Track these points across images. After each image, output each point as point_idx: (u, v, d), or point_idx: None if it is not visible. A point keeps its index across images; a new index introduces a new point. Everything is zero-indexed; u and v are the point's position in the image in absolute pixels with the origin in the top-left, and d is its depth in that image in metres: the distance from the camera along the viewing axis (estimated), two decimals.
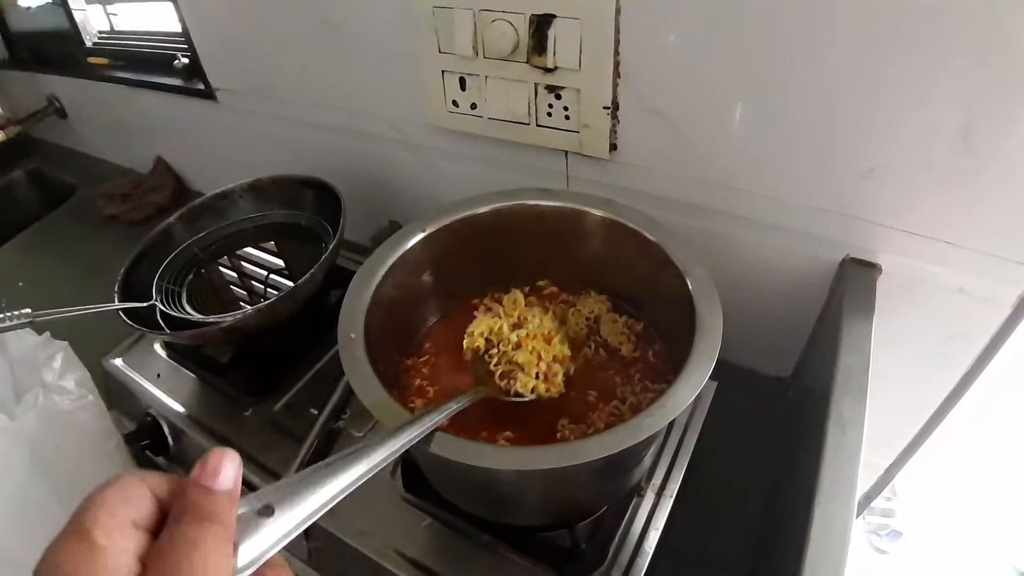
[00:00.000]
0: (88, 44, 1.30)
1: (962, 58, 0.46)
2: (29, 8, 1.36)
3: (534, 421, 0.52)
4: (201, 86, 1.03)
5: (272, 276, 0.80)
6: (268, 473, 0.62)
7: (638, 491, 0.56)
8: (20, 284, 1.12)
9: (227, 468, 0.26)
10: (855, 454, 0.49)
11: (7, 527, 0.57)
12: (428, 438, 0.38)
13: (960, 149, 0.50)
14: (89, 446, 0.64)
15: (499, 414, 0.52)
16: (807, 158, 0.57)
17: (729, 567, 0.58)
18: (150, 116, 1.22)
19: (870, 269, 0.61)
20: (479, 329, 0.53)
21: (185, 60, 1.06)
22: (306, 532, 0.59)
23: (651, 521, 0.54)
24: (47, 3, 1.31)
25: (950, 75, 0.47)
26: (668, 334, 0.56)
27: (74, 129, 1.48)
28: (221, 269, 0.81)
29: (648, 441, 0.47)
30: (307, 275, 0.65)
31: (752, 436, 0.68)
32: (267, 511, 0.26)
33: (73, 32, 1.30)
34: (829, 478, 0.48)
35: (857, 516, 0.93)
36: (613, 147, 0.67)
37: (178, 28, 1.01)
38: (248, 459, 0.64)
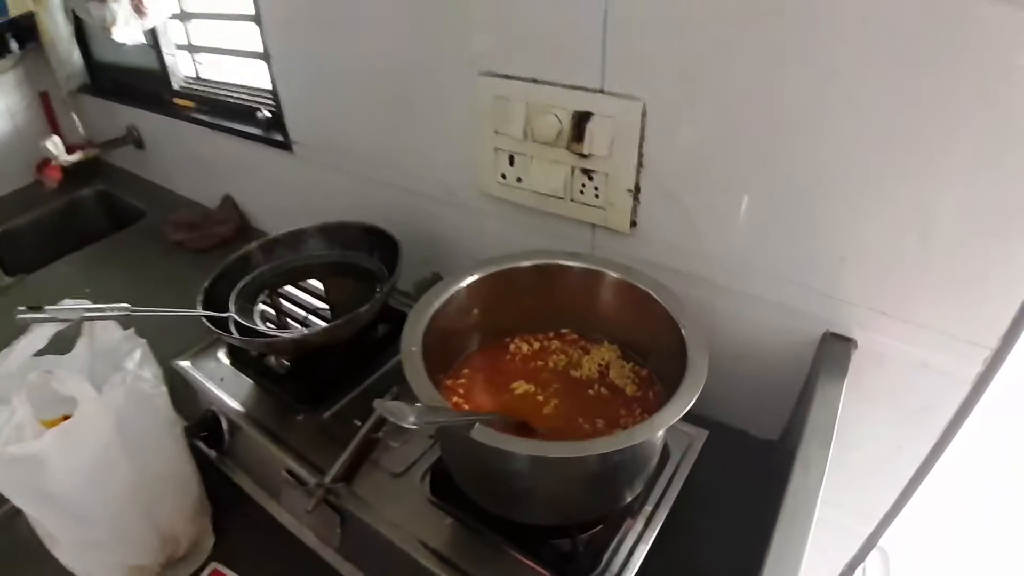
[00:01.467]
0: (175, 86, 1.48)
1: (919, 176, 0.59)
2: (124, 45, 1.53)
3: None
4: (280, 138, 1.19)
5: (320, 309, 0.92)
6: (313, 467, 0.72)
7: (631, 513, 0.65)
8: (87, 290, 1.25)
9: None
10: (815, 490, 0.59)
11: (88, 480, 0.67)
12: (468, 427, 0.49)
13: (919, 246, 0.62)
14: (160, 427, 0.75)
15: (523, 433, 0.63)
16: (793, 243, 0.69)
17: None
18: (224, 157, 1.38)
19: (846, 343, 0.72)
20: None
21: (268, 114, 1.22)
22: (342, 520, 0.69)
23: (640, 539, 0.64)
24: (141, 44, 1.49)
25: (910, 187, 0.60)
26: (666, 379, 0.67)
27: (149, 159, 1.64)
28: (287, 294, 0.94)
29: (640, 455, 0.57)
30: (367, 305, 0.78)
31: (736, 490, 0.77)
32: None
33: (162, 73, 1.47)
34: (790, 508, 0.57)
35: None
36: (633, 224, 0.80)
37: (259, 84, 1.17)
38: (298, 456, 0.75)
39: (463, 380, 0.70)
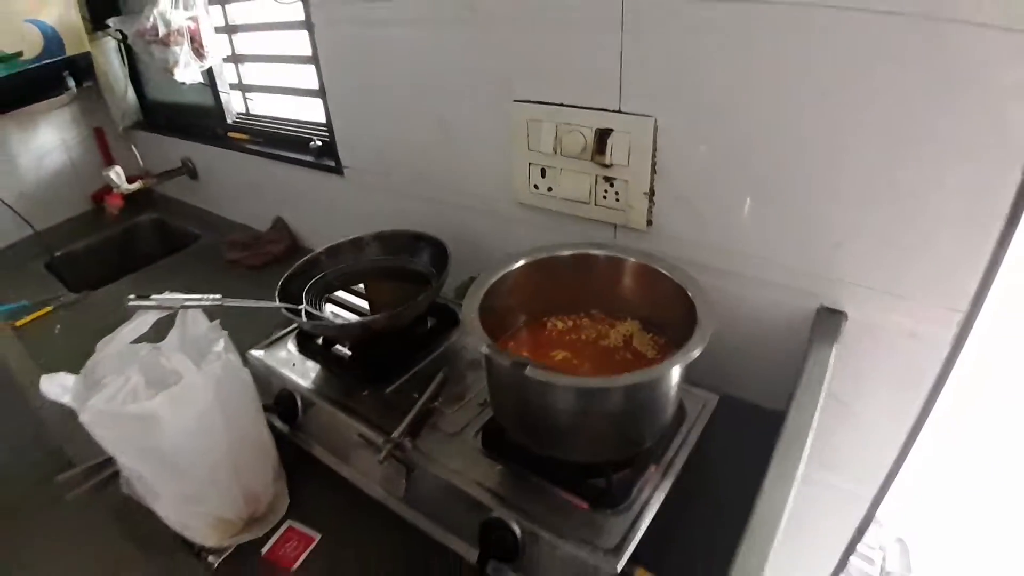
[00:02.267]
0: (229, 121, 1.65)
1: (901, 175, 0.73)
2: (180, 84, 1.70)
3: None
4: (332, 163, 1.34)
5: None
6: (381, 431, 0.85)
7: (654, 459, 0.77)
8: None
9: None
10: (804, 432, 0.70)
11: (191, 438, 0.78)
12: (523, 366, 0.62)
13: (898, 230, 0.74)
14: (248, 399, 0.87)
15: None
16: (791, 233, 0.82)
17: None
18: (276, 183, 1.53)
19: (838, 316, 0.84)
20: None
21: (319, 143, 1.38)
22: (408, 471, 0.81)
23: (661, 482, 0.75)
24: (198, 84, 1.66)
25: (892, 184, 0.73)
26: (682, 345, 0.80)
27: (201, 189, 1.80)
28: (348, 292, 1.08)
29: (659, 398, 0.70)
30: (424, 294, 0.91)
31: (744, 450, 0.86)
32: None
33: (216, 109, 1.64)
34: (780, 452, 0.69)
35: (850, 551, 1.10)
36: (649, 223, 0.94)
37: (311, 116, 1.33)
38: (367, 421, 0.87)
39: (512, 343, 0.84)
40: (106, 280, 1.56)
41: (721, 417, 0.87)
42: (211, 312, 0.90)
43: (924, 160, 0.70)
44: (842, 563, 1.14)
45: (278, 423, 0.98)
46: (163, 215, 1.86)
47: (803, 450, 0.69)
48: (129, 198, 1.77)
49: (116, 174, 1.61)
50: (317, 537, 0.87)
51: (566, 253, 0.84)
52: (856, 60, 0.70)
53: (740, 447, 0.88)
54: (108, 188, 1.71)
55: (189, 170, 1.77)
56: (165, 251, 1.75)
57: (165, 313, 0.90)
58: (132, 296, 0.87)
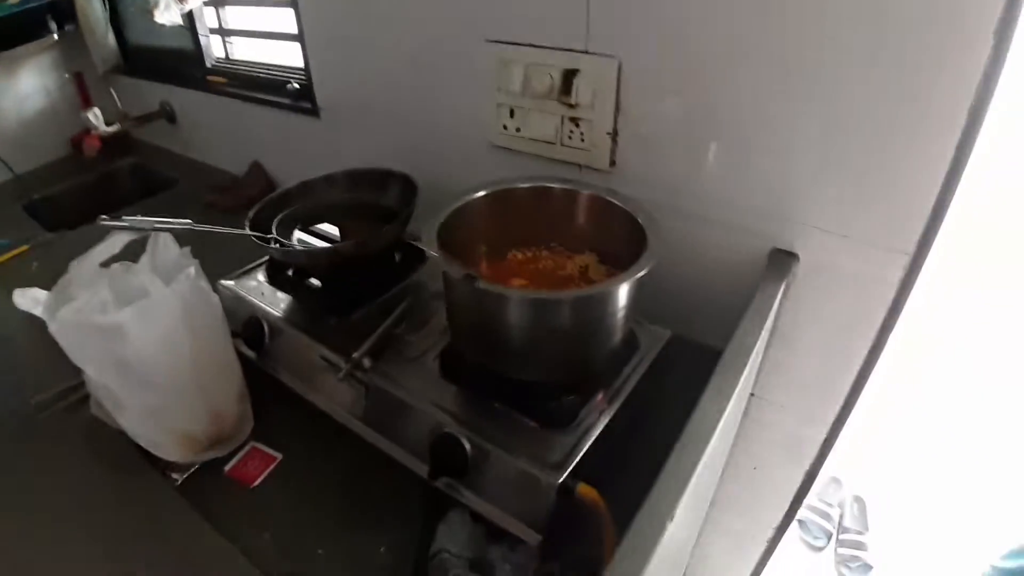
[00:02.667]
0: (208, 65, 1.64)
1: (837, 112, 0.75)
2: (159, 27, 1.69)
3: None
4: (308, 105, 1.35)
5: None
6: (344, 355, 0.87)
7: (602, 385, 0.81)
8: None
9: None
10: (742, 359, 0.74)
11: (158, 351, 0.80)
12: (473, 278, 0.65)
13: (846, 170, 0.77)
14: (215, 320, 0.89)
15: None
16: (750, 174, 0.85)
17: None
18: (253, 127, 1.54)
19: (790, 257, 0.87)
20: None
21: (297, 85, 1.38)
22: (366, 390, 0.85)
23: (608, 407, 0.79)
24: (177, 26, 1.64)
25: (845, 123, 0.76)
26: None
27: (179, 133, 1.80)
28: (318, 227, 1.10)
29: (606, 319, 0.73)
30: (391, 225, 0.93)
31: (692, 386, 0.91)
32: None
33: (196, 53, 1.64)
34: (717, 374, 0.72)
35: (801, 496, 1.14)
36: (613, 163, 0.96)
37: (289, 61, 1.34)
38: (331, 346, 0.90)
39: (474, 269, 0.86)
40: (84, 222, 1.57)
41: (675, 355, 0.90)
42: (183, 242, 0.92)
43: (875, 103, 0.72)
44: (793, 507, 1.19)
45: (245, 349, 1.00)
46: (142, 160, 1.86)
47: (740, 374, 0.73)
48: (108, 143, 1.77)
49: (94, 115, 1.61)
50: (279, 457, 0.90)
51: (524, 185, 0.87)
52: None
53: (691, 383, 0.91)
54: (87, 131, 1.71)
55: (167, 114, 1.76)
56: (143, 195, 1.75)
57: (137, 235, 0.91)
58: (104, 216, 0.88)
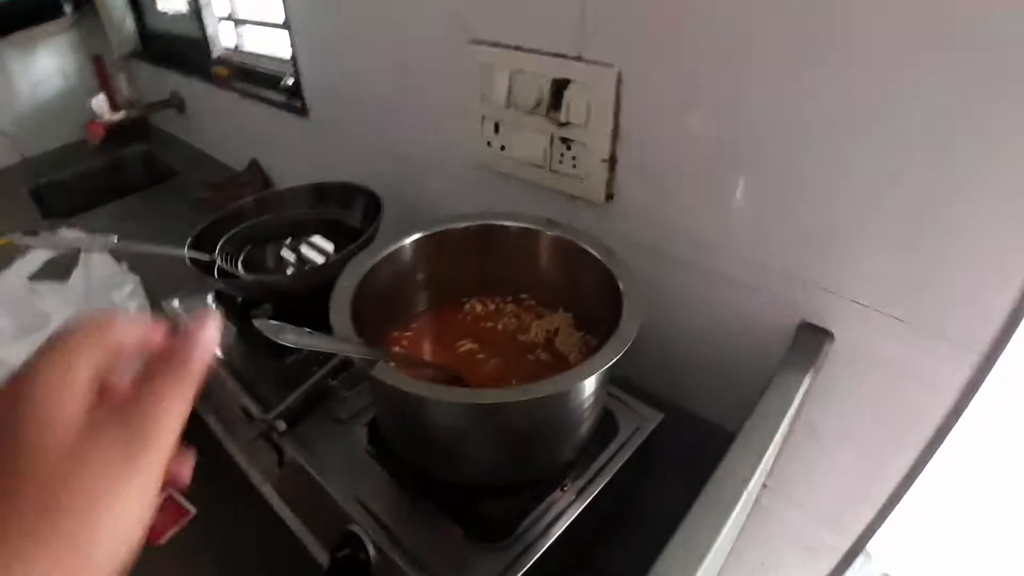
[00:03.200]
0: (215, 55, 1.54)
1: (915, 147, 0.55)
2: (165, 13, 1.60)
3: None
4: (299, 104, 1.23)
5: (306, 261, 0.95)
6: (267, 407, 0.74)
7: (560, 484, 0.64)
8: (115, 239, 1.32)
9: (212, 328, 0.30)
10: (730, 505, 0.55)
11: None
12: (371, 364, 0.49)
13: (910, 234, 0.57)
14: None
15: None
16: (778, 225, 0.66)
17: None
18: (252, 123, 1.43)
19: (822, 336, 0.68)
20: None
21: (291, 81, 1.26)
22: (280, 458, 0.71)
23: (564, 513, 0.62)
24: (182, 13, 1.54)
25: (907, 171, 0.56)
26: None
27: (188, 123, 1.72)
28: (280, 249, 0.97)
29: (560, 419, 0.56)
30: (337, 256, 0.79)
31: (690, 479, 0.74)
32: None
33: (203, 42, 1.54)
34: (690, 526, 0.54)
35: None
36: (610, 196, 0.78)
37: (285, 54, 1.21)
38: (254, 395, 0.76)
39: (410, 333, 0.71)
40: (87, 209, 1.51)
41: (671, 438, 0.72)
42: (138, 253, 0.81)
43: (957, 158, 0.52)
44: None
45: None
46: (153, 147, 1.79)
47: (755, 469, 0.56)
48: (122, 128, 1.71)
49: (98, 103, 1.54)
50: (192, 512, 0.79)
51: (460, 225, 0.70)
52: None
53: (688, 473, 0.74)
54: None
55: (177, 104, 1.68)
56: (150, 183, 1.68)
57: (56, 252, 0.81)
58: (19, 233, 0.78)
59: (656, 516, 0.70)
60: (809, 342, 0.68)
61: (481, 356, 0.67)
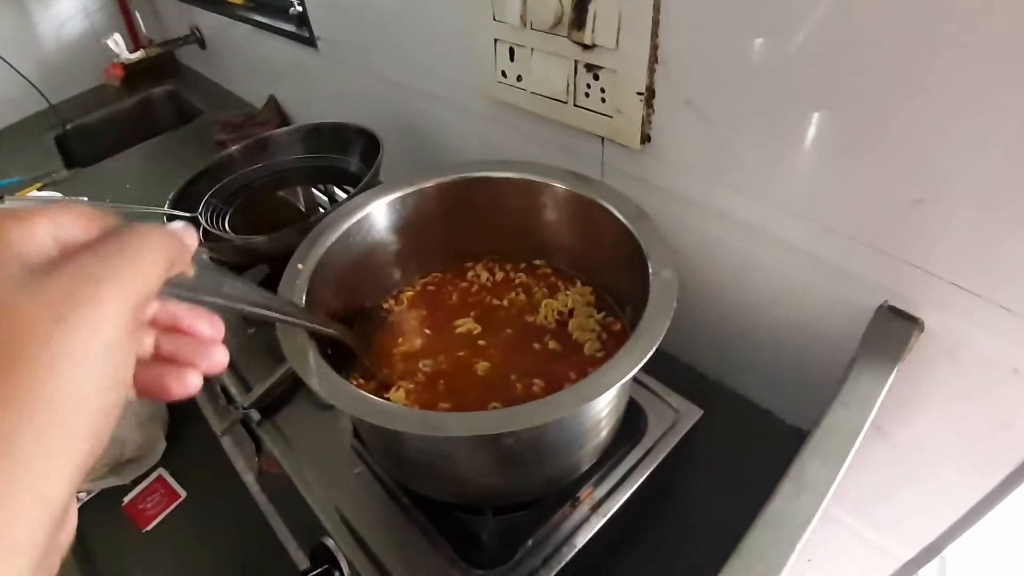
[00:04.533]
0: None
1: None
2: None
3: (469, 398, 0.51)
4: (307, 34, 1.10)
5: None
6: (245, 386, 0.66)
7: (574, 499, 0.52)
8: (128, 186, 1.26)
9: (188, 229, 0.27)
10: (803, 523, 0.43)
11: None
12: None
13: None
14: None
15: (439, 390, 0.52)
16: (850, 178, 0.50)
17: None
18: (268, 57, 1.31)
19: (910, 323, 0.53)
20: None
21: (299, 8, 1.12)
22: (257, 448, 0.63)
23: (577, 530, 0.51)
24: None
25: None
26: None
27: (211, 59, 1.62)
28: (273, 198, 0.86)
29: (558, 435, 0.44)
30: (321, 214, 0.68)
31: (744, 484, 0.62)
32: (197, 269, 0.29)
33: None
34: (755, 544, 0.42)
35: None
36: (647, 138, 0.63)
37: None
38: (236, 374, 0.68)
39: (401, 306, 0.60)
40: (112, 155, 1.45)
41: (714, 423, 0.60)
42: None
43: None
44: None
45: None
46: (178, 86, 1.70)
47: (830, 485, 0.45)
48: (144, 67, 1.63)
49: (115, 43, 1.45)
50: (182, 496, 0.73)
51: (455, 177, 0.57)
52: None
53: (735, 479, 0.61)
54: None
55: (198, 39, 1.57)
56: (178, 124, 1.60)
57: None
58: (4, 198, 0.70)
59: (697, 529, 0.59)
60: (891, 329, 0.54)
61: (480, 343, 0.55)
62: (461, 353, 0.54)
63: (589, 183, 0.55)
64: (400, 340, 0.56)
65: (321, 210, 0.85)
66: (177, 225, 0.28)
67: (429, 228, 0.58)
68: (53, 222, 0.23)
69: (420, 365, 0.54)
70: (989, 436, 0.54)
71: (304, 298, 0.45)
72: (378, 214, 0.55)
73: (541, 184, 0.56)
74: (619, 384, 0.37)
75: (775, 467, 0.60)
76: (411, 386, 0.52)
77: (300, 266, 0.48)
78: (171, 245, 0.25)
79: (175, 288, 0.27)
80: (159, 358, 0.28)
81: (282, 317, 0.39)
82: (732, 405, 0.70)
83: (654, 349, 0.40)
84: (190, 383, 0.28)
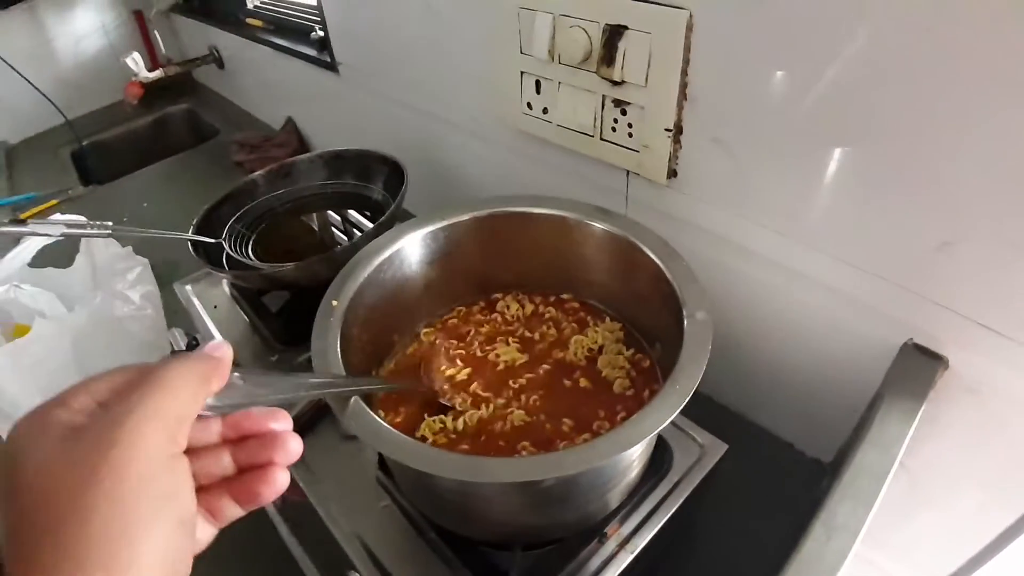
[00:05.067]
0: (249, 5, 1.44)
1: None
2: None
3: (494, 438, 0.51)
4: (328, 59, 1.11)
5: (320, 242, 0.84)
6: None
7: (601, 535, 0.52)
8: (145, 204, 1.27)
9: (221, 346, 0.29)
10: (834, 566, 0.43)
11: (37, 400, 0.64)
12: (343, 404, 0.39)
13: None
14: (131, 353, 0.71)
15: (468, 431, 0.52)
16: (877, 217, 0.51)
17: None
18: (286, 79, 1.33)
19: (934, 361, 0.53)
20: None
21: (320, 33, 1.14)
22: None
23: (605, 568, 0.51)
24: None
25: None
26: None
27: (228, 80, 1.64)
28: (296, 224, 0.87)
29: (590, 476, 0.44)
30: (349, 243, 0.68)
31: (767, 517, 0.62)
32: (240, 380, 0.30)
33: None
34: (811, 550, 0.42)
35: None
36: (673, 173, 0.63)
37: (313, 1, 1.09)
38: None
39: (433, 334, 0.60)
40: (130, 171, 1.46)
41: (739, 458, 0.60)
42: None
43: None
44: None
45: None
46: (195, 105, 1.72)
47: (862, 525, 0.45)
48: (162, 87, 1.65)
49: (134, 61, 1.47)
50: None
51: (485, 212, 0.58)
52: None
53: (757, 511, 0.61)
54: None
55: (216, 59, 1.59)
56: (194, 143, 1.62)
57: (52, 240, 0.73)
58: (5, 221, 0.70)
59: (724, 564, 0.59)
60: (916, 367, 0.54)
61: (522, 381, 0.55)
62: (500, 401, 0.54)
63: (622, 221, 0.55)
64: (440, 368, 0.56)
65: (344, 237, 0.85)
66: (211, 344, 0.29)
67: (459, 261, 0.59)
68: (89, 390, 0.25)
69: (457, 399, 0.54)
70: (1010, 471, 0.54)
71: (339, 337, 0.46)
72: (410, 248, 0.56)
73: (576, 221, 0.56)
74: (660, 429, 0.37)
75: (798, 500, 0.61)
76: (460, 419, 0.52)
77: (334, 303, 0.48)
78: (198, 369, 0.26)
79: (221, 402, 0.28)
80: (242, 470, 0.29)
81: (339, 390, 0.40)
82: (753, 437, 0.70)
83: (692, 392, 0.40)
84: (278, 482, 0.29)
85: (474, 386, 0.54)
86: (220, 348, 0.29)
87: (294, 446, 0.30)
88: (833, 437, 0.67)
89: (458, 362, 0.57)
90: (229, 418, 0.29)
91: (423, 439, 0.51)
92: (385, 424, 0.40)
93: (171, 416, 0.24)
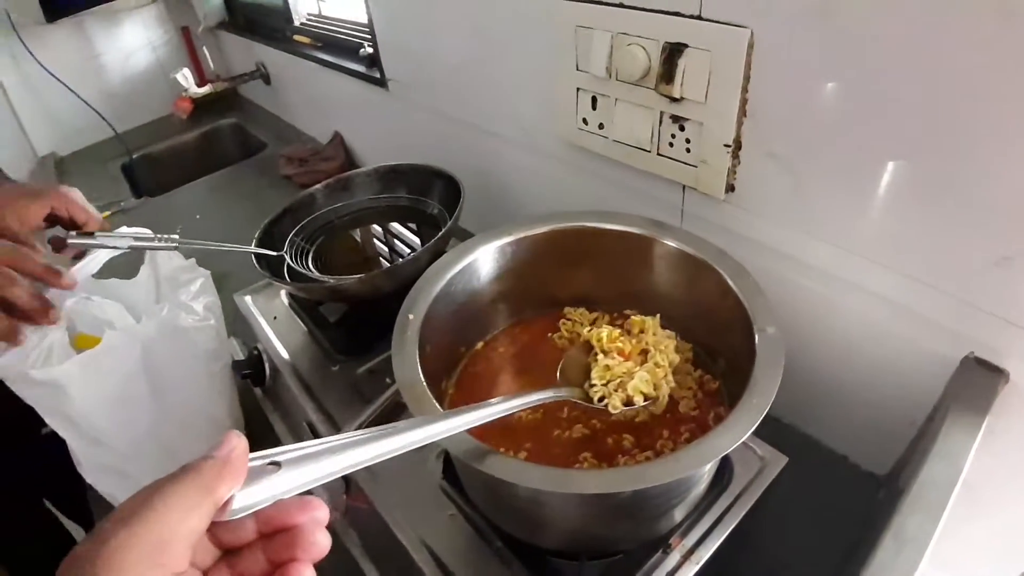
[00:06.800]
0: (296, 23, 1.48)
1: None
2: None
3: (555, 446, 0.52)
4: (377, 75, 1.14)
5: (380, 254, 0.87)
6: (333, 425, 0.68)
7: (665, 546, 0.53)
8: (197, 216, 1.31)
9: (231, 441, 0.27)
10: (920, 546, 0.43)
11: (106, 408, 0.67)
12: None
13: None
14: (196, 362, 0.73)
15: (515, 433, 0.54)
16: (938, 231, 0.51)
17: None
18: (334, 94, 1.36)
19: (995, 374, 0.53)
20: (604, 333, 0.53)
21: (369, 50, 1.17)
22: (347, 486, 0.64)
23: None
24: None
25: None
26: (736, 398, 0.53)
27: (275, 95, 1.68)
28: (354, 237, 0.89)
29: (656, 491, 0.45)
30: (411, 256, 0.70)
31: (824, 528, 0.62)
32: (274, 467, 0.28)
33: (284, 9, 1.47)
34: (883, 554, 0.43)
35: None
36: (730, 188, 0.64)
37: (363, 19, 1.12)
38: (322, 409, 0.70)
39: (502, 350, 0.62)
40: (177, 184, 1.51)
41: (795, 473, 0.60)
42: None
43: None
44: None
45: (251, 384, 0.84)
46: (242, 120, 1.77)
47: (930, 539, 0.45)
48: (211, 101, 1.70)
49: (184, 77, 1.52)
50: None
51: (546, 228, 0.59)
52: None
53: (815, 523, 0.61)
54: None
55: (263, 75, 1.64)
56: (243, 157, 1.66)
57: (118, 252, 0.76)
58: (74, 232, 0.73)
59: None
60: (978, 380, 0.54)
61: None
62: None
63: (687, 237, 0.56)
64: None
65: (406, 249, 0.87)
66: (221, 441, 0.27)
67: (526, 275, 0.60)
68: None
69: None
70: None
71: (416, 349, 0.47)
72: (481, 262, 0.57)
73: (645, 236, 0.57)
74: (740, 441, 0.38)
75: (856, 513, 0.61)
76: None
77: (411, 316, 0.50)
78: (196, 483, 0.25)
79: (252, 500, 0.26)
80: (273, 565, 0.28)
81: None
82: (808, 450, 0.70)
83: (768, 407, 0.41)
84: None
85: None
86: (226, 446, 0.27)
87: (321, 540, 0.28)
88: (888, 450, 0.67)
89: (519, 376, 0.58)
90: (260, 513, 0.27)
91: None
92: (474, 439, 0.41)
93: (149, 543, 0.23)
